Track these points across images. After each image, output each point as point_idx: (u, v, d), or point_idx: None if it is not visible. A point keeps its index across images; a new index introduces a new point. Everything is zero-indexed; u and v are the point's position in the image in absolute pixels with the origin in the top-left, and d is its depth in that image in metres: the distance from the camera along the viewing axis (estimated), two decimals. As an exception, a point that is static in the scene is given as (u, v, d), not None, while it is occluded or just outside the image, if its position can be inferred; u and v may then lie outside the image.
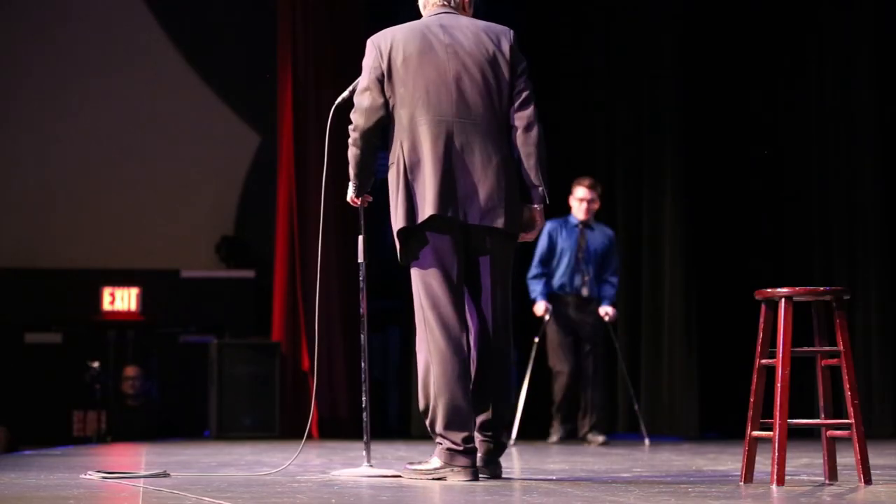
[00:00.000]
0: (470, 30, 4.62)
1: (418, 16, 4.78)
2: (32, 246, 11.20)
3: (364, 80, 4.60)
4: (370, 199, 4.80)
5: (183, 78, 11.46)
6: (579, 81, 10.56)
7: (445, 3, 4.71)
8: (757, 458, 4.44)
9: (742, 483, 4.37)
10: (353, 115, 4.62)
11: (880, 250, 10.09)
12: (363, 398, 4.85)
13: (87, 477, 4.64)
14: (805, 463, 5.71)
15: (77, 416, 10.68)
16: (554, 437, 8.59)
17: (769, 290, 4.37)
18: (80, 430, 10.63)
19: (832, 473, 4.46)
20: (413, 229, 4.50)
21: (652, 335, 10.18)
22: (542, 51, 10.11)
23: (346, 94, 4.88)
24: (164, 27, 11.48)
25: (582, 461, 6.22)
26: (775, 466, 4.20)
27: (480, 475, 4.51)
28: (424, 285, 4.51)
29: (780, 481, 4.20)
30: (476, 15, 4.81)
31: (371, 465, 4.79)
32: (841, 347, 4.35)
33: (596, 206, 8.62)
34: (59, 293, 10.99)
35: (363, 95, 4.59)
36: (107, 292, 10.97)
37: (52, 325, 10.89)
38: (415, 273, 4.54)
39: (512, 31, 4.67)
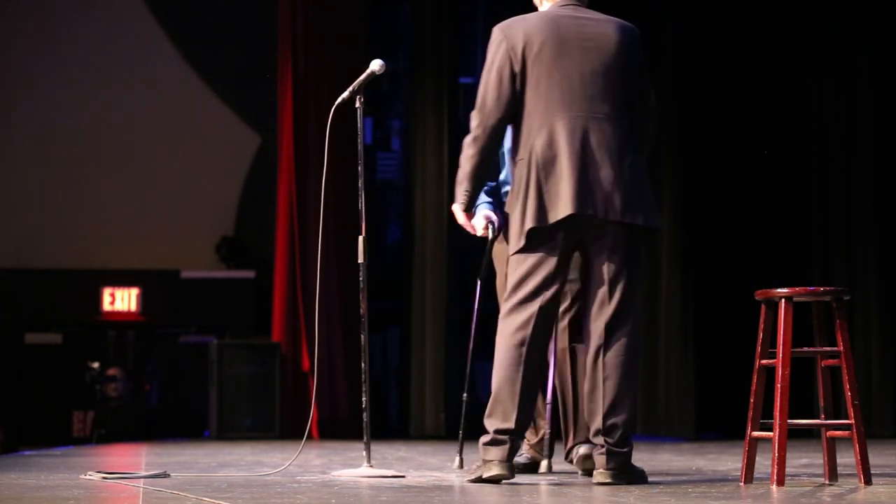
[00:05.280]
0: (604, 25, 4.51)
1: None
2: (32, 246, 11.20)
3: (493, 73, 4.43)
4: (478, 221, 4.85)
5: (183, 78, 11.46)
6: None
7: None
8: (757, 458, 4.44)
9: (742, 483, 4.36)
10: (476, 112, 4.44)
11: (880, 250, 10.08)
12: (363, 398, 4.84)
13: (87, 477, 4.64)
14: (805, 463, 5.71)
15: (77, 416, 10.67)
16: (543, 465, 5.15)
17: (769, 290, 4.37)
18: (80, 431, 10.62)
19: (832, 473, 4.45)
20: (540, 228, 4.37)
21: (648, 334, 10.15)
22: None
23: (346, 94, 4.87)
24: (164, 27, 11.47)
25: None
26: (775, 467, 4.20)
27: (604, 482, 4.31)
28: (521, 273, 4.38)
29: (780, 481, 4.20)
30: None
31: (371, 466, 4.79)
32: (841, 347, 4.34)
33: None
34: (59, 293, 10.99)
35: (492, 88, 4.42)
36: (107, 292, 10.97)
37: (52, 325, 10.89)
38: (513, 261, 4.41)
39: (637, 30, 4.62)
